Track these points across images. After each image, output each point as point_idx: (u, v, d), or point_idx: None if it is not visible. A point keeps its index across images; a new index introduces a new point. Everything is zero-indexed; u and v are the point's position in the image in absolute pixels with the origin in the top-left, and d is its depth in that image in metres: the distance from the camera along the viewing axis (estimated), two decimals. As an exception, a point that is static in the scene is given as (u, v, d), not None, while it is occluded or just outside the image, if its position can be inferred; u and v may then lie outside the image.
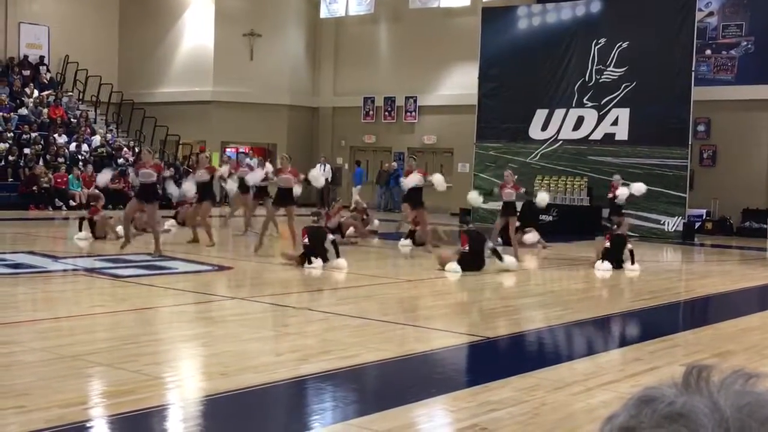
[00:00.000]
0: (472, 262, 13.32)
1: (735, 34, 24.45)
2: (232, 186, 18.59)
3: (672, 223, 21.97)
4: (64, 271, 12.79)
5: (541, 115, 24.22)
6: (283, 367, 6.75)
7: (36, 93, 29.28)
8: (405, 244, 17.07)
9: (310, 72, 32.89)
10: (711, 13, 24.60)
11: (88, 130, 29.02)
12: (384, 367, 7.04)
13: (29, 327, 8.16)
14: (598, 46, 23.49)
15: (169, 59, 32.44)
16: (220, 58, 31.10)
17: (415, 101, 30.46)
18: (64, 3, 31.81)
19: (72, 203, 25.07)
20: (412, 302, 11.08)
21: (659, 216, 22.06)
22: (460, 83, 28.24)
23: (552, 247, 18.02)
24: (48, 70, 30.97)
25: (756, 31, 24.12)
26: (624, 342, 9.13)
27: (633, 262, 14.42)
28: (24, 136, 26.53)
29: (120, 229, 15.72)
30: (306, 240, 13.18)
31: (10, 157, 25.37)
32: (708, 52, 24.49)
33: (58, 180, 25.24)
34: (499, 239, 16.13)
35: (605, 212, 20.22)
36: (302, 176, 15.85)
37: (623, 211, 18.61)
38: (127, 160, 27.63)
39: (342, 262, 13.26)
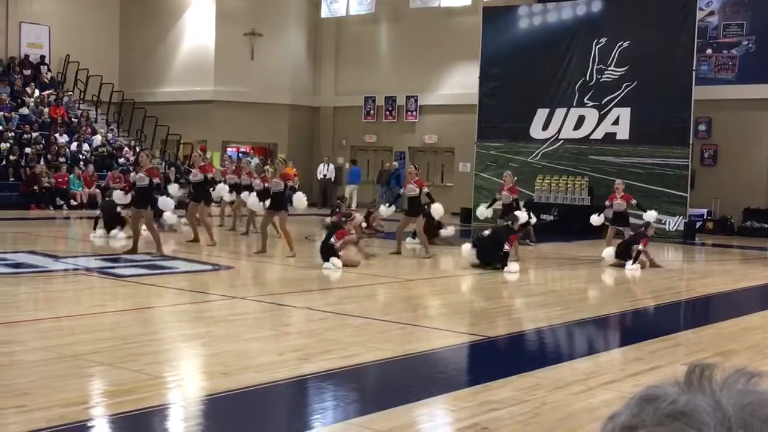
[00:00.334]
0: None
1: (736, 34, 24.43)
2: (222, 190, 18.73)
3: (673, 223, 21.96)
4: (65, 270, 12.80)
5: (542, 114, 24.20)
6: (284, 366, 6.75)
7: (37, 92, 29.28)
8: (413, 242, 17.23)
9: (311, 71, 32.89)
10: (712, 13, 24.59)
11: (89, 129, 29.03)
12: (385, 367, 7.04)
13: (30, 326, 8.16)
14: (599, 45, 23.47)
15: (169, 59, 32.44)
16: (221, 58, 31.10)
17: (416, 101, 30.44)
18: (64, 3, 31.81)
19: (73, 203, 25.09)
20: (412, 302, 11.09)
21: (660, 215, 21.99)
22: (461, 83, 28.23)
23: (535, 248, 17.88)
24: (49, 70, 30.98)
25: (757, 31, 24.10)
26: (625, 341, 9.12)
27: (634, 261, 14.43)
28: (25, 136, 26.54)
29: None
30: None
31: (11, 157, 25.38)
32: (709, 51, 24.48)
33: (59, 179, 25.23)
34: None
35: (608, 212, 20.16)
36: (290, 183, 15.71)
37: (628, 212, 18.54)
38: (127, 160, 27.65)
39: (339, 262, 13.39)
